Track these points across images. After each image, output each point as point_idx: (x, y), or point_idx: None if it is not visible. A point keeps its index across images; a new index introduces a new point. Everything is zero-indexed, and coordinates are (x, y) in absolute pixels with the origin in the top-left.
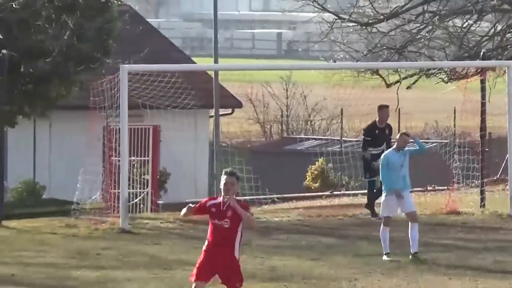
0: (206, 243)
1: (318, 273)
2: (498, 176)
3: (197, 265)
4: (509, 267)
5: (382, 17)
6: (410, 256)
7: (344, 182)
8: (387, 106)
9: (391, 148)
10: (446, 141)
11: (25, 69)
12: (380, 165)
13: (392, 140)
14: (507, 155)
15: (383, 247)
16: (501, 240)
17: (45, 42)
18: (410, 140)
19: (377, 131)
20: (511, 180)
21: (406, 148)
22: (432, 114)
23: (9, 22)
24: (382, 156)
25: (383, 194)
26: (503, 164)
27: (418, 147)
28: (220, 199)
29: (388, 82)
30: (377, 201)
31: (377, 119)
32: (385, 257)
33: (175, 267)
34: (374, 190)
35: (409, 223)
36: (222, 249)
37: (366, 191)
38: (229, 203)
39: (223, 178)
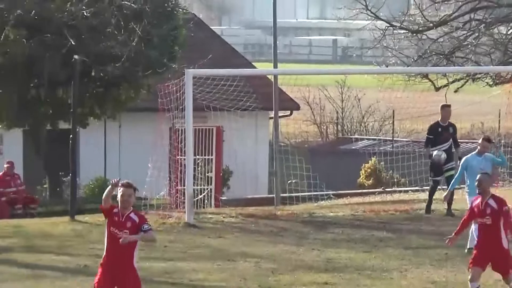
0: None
1: (371, 265)
2: None
3: (96, 278)
4: None
5: (431, 24)
6: (466, 251)
7: (395, 180)
8: (449, 106)
9: (474, 152)
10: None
11: (96, 74)
12: (460, 167)
13: (458, 139)
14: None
15: (468, 242)
16: None
17: (115, 48)
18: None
19: (440, 129)
20: None
21: (490, 155)
22: (479, 116)
23: (81, 29)
24: (463, 159)
25: (467, 193)
26: None
27: (500, 159)
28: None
29: (437, 86)
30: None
31: (439, 118)
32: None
33: (238, 259)
34: (433, 189)
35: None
36: (120, 260)
37: (416, 187)
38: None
39: (120, 190)
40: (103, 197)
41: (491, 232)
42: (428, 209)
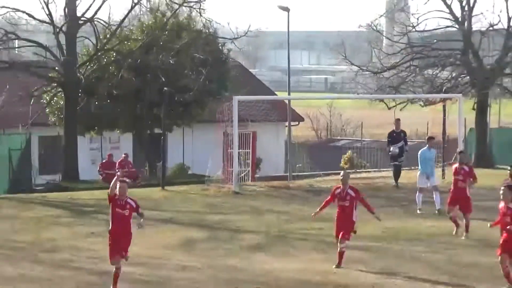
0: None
1: None
2: (452, 160)
3: (108, 241)
4: None
5: (385, 68)
6: (436, 212)
7: (363, 165)
8: (399, 119)
9: (425, 147)
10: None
11: (177, 99)
12: (418, 156)
13: (408, 140)
14: (457, 149)
15: (417, 205)
16: None
17: (189, 83)
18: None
19: (394, 134)
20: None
21: (433, 149)
22: (416, 125)
23: (168, 71)
24: (419, 151)
25: (419, 173)
26: (455, 154)
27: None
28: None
29: (389, 107)
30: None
31: (394, 127)
32: (418, 211)
33: (265, 213)
34: (398, 172)
35: (434, 192)
36: (123, 229)
37: (375, 170)
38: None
39: (118, 184)
40: (111, 187)
41: (347, 212)
42: (396, 182)
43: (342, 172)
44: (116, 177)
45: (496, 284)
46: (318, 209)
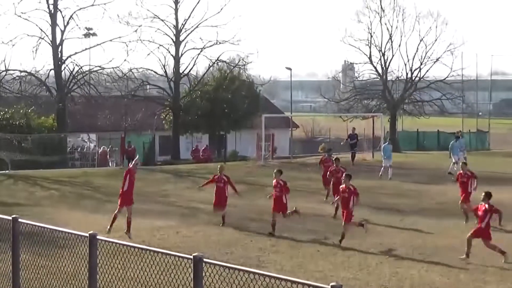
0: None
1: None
2: (377, 148)
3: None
4: None
5: (342, 99)
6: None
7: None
8: (354, 128)
9: (386, 143)
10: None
11: (232, 116)
12: (383, 149)
13: (357, 140)
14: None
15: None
16: None
17: (239, 107)
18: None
19: (351, 134)
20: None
21: (390, 145)
22: (356, 130)
23: (227, 101)
24: (384, 145)
25: (384, 159)
26: (378, 145)
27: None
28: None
29: (344, 120)
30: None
31: (351, 131)
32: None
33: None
34: (354, 156)
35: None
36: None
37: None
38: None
39: (137, 161)
40: (135, 162)
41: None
42: (353, 162)
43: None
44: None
45: None
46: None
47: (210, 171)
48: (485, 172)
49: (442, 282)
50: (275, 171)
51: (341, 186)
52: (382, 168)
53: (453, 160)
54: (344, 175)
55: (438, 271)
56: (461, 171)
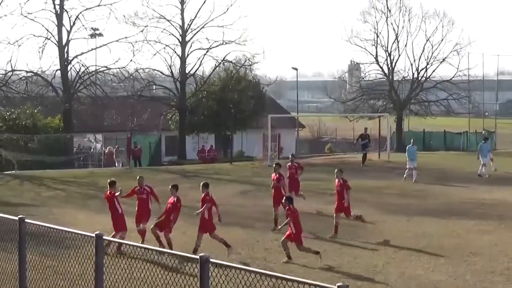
0: None
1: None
2: (383, 148)
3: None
4: None
5: (348, 99)
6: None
7: (337, 151)
8: (366, 128)
9: (410, 145)
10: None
11: (239, 116)
12: (407, 150)
13: (369, 141)
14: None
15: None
16: None
17: (245, 107)
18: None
19: (362, 135)
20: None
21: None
22: (363, 130)
23: (233, 101)
24: (408, 147)
25: (409, 160)
26: (384, 145)
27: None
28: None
29: (350, 120)
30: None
31: (363, 132)
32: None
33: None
34: (365, 156)
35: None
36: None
37: (343, 153)
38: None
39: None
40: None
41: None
42: (363, 163)
43: (274, 165)
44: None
45: None
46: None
47: (216, 171)
48: (493, 173)
49: (449, 282)
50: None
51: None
52: (407, 170)
53: (482, 162)
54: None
55: (445, 271)
56: (337, 179)
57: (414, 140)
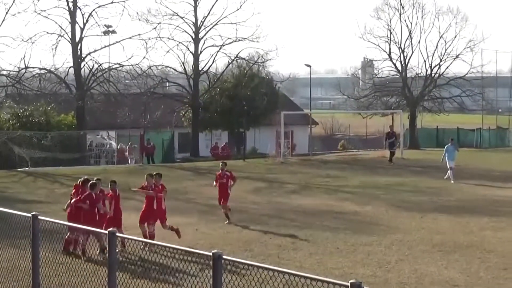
0: None
1: (345, 175)
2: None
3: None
4: None
5: (361, 96)
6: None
7: (350, 147)
8: (392, 125)
9: (449, 144)
10: (380, 135)
11: (252, 113)
12: (445, 150)
13: (397, 138)
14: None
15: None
16: None
17: (258, 104)
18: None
19: (389, 133)
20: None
21: (454, 145)
22: (376, 127)
23: (247, 98)
24: (445, 146)
25: (448, 160)
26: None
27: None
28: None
29: (363, 117)
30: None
31: (389, 130)
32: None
33: (299, 171)
34: (392, 154)
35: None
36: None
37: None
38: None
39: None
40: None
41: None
42: (390, 161)
43: (221, 163)
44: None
45: None
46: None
47: (229, 168)
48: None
49: (462, 279)
50: (220, 163)
51: (217, 173)
52: (449, 170)
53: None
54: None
55: (458, 268)
56: (220, 172)
57: (453, 139)
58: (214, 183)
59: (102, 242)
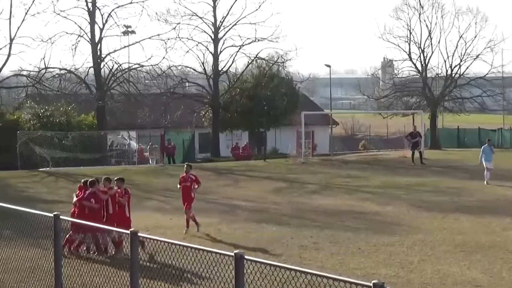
0: None
1: (365, 175)
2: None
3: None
4: None
5: (381, 96)
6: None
7: (371, 147)
8: (415, 126)
9: (486, 144)
10: (401, 135)
11: (272, 113)
12: (482, 150)
13: (421, 138)
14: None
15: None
16: None
17: (278, 105)
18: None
19: (412, 133)
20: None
21: (491, 146)
22: (397, 127)
23: (267, 98)
24: (482, 147)
25: (485, 161)
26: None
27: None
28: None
29: (383, 117)
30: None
31: (412, 130)
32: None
33: (319, 172)
34: (414, 155)
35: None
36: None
37: (375, 150)
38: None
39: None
40: None
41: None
42: (412, 160)
43: (185, 165)
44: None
45: None
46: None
47: (250, 168)
48: None
49: (484, 279)
50: (185, 165)
51: (181, 175)
52: (485, 171)
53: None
54: (186, 165)
55: (480, 269)
56: (184, 174)
57: (490, 139)
58: (178, 185)
59: (112, 240)
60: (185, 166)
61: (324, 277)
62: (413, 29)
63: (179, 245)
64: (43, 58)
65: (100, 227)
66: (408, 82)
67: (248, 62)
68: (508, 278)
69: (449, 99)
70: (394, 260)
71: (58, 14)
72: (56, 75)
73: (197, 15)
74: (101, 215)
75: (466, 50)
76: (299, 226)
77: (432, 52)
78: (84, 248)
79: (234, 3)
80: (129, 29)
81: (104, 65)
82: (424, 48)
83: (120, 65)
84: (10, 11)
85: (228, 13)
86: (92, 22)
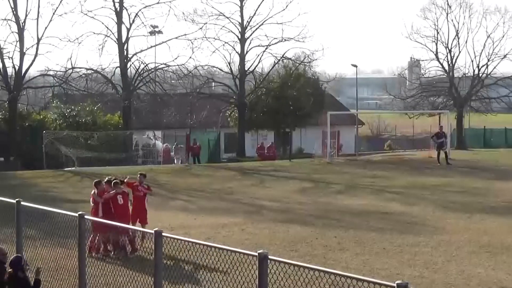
0: None
1: (382, 174)
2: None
3: None
4: None
5: (408, 96)
6: None
7: (396, 147)
8: (442, 126)
9: None
10: (427, 135)
11: (298, 113)
12: None
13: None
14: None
15: None
16: None
17: (304, 104)
18: None
19: (439, 133)
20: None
21: None
22: (423, 127)
23: (293, 98)
24: None
25: None
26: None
27: None
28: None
29: (410, 117)
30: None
31: (438, 130)
32: None
33: (345, 174)
34: (440, 155)
35: None
36: None
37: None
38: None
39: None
40: None
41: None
42: (438, 160)
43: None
44: None
45: None
46: None
47: (275, 168)
48: None
49: (509, 280)
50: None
51: (134, 184)
52: None
53: None
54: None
55: (506, 270)
56: (138, 184)
57: None
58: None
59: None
60: (139, 175)
61: (348, 277)
62: (440, 29)
63: (203, 244)
64: (70, 58)
65: (121, 226)
66: (434, 82)
67: (274, 62)
68: None
69: (476, 99)
70: (418, 261)
71: (86, 14)
72: (83, 75)
73: (224, 15)
74: (128, 214)
75: (493, 49)
76: (324, 226)
77: (459, 52)
78: (102, 248)
79: (261, 3)
80: (156, 29)
81: (130, 65)
82: (451, 48)
83: (147, 65)
84: (38, 11)
85: (255, 13)
86: (119, 22)
